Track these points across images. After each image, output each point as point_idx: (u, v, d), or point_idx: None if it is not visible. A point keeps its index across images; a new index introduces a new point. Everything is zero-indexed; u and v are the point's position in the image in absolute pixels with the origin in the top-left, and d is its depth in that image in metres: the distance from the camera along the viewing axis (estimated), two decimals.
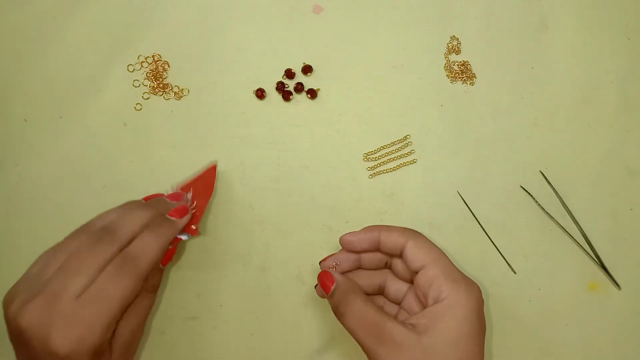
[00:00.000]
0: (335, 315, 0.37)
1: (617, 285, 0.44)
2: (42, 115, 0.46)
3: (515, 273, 0.44)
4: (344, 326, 0.36)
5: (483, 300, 0.36)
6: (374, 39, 0.47)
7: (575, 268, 0.44)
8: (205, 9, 0.47)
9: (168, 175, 0.45)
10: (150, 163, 0.45)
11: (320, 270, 0.39)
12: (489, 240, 0.44)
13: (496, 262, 0.44)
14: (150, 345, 0.44)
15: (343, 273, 0.39)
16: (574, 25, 0.47)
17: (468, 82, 0.46)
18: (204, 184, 0.43)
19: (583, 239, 0.44)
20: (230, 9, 0.47)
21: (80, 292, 0.32)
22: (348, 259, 0.40)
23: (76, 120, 0.46)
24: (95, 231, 0.36)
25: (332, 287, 0.37)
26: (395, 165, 0.45)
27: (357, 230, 0.39)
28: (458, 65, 0.46)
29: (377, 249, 0.39)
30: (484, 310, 0.37)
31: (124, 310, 0.34)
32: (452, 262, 0.37)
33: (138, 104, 0.46)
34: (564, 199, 0.44)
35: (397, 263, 0.39)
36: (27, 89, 0.46)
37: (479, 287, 0.36)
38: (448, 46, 0.46)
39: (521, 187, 0.45)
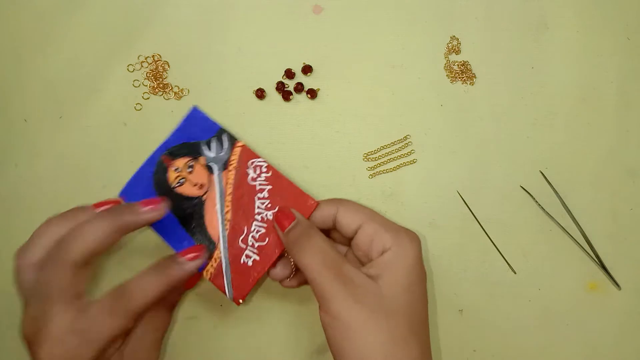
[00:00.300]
0: (291, 252, 0.36)
1: (617, 285, 0.44)
2: (42, 115, 0.46)
3: (515, 273, 0.44)
4: (299, 263, 0.35)
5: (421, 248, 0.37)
6: (374, 39, 0.47)
7: (575, 268, 0.44)
8: (205, 9, 0.47)
9: None
10: None
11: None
12: (489, 240, 0.44)
13: (496, 262, 0.44)
14: None
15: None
16: (574, 25, 0.47)
17: (468, 82, 0.46)
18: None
19: (583, 239, 0.44)
20: (230, 9, 0.47)
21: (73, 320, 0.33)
22: None
23: (76, 120, 0.46)
24: (111, 292, 0.34)
25: (293, 223, 0.36)
26: (395, 165, 0.45)
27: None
28: (458, 65, 0.46)
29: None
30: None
31: (111, 344, 0.34)
32: (385, 217, 0.38)
33: (138, 104, 0.46)
34: (564, 199, 0.44)
35: (332, 235, 0.40)
36: (27, 89, 0.46)
37: (418, 236, 0.37)
38: (448, 46, 0.46)
39: (521, 187, 0.45)
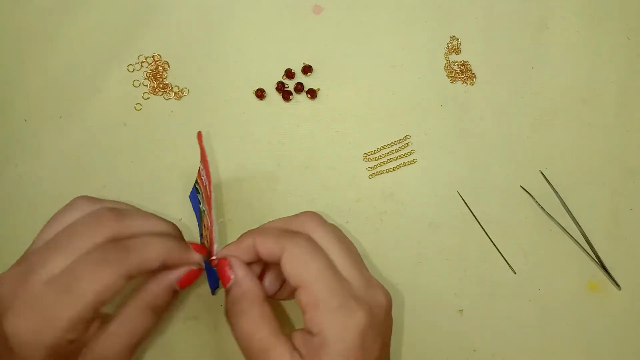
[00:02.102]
0: (226, 316, 0.32)
1: (617, 285, 0.44)
2: (42, 115, 0.46)
3: (515, 273, 0.44)
4: (234, 331, 0.32)
5: (374, 320, 0.31)
6: (374, 39, 0.47)
7: (575, 268, 0.44)
8: (205, 9, 0.47)
9: (168, 175, 0.45)
10: (150, 163, 0.45)
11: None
12: (489, 240, 0.44)
13: (496, 262, 0.44)
14: (150, 345, 0.44)
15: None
16: (574, 25, 0.47)
17: (468, 82, 0.46)
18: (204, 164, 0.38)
19: (583, 239, 0.44)
20: (230, 9, 0.47)
21: (56, 274, 0.28)
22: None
23: (76, 120, 0.46)
24: (103, 209, 0.31)
25: (229, 284, 0.32)
26: (395, 165, 0.45)
27: (234, 240, 0.34)
28: (458, 65, 0.46)
29: (258, 259, 0.33)
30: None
31: (97, 308, 0.29)
32: (336, 279, 0.30)
33: (138, 104, 0.46)
34: (564, 199, 0.44)
35: None
36: (28, 89, 0.46)
37: (363, 310, 0.30)
38: (448, 46, 0.46)
39: (521, 187, 0.45)
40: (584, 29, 0.47)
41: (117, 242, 0.30)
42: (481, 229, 0.44)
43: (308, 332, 0.30)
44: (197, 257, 0.34)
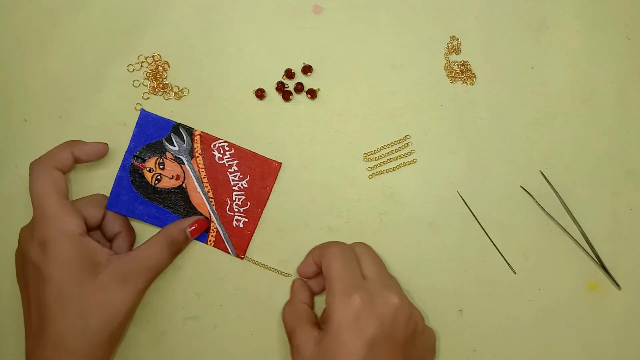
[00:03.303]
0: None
1: (617, 285, 0.44)
2: (42, 115, 0.46)
3: (515, 273, 0.44)
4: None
5: (371, 306, 0.36)
6: (374, 39, 0.47)
7: (575, 268, 0.44)
8: (205, 9, 0.47)
9: None
10: None
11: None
12: (489, 240, 0.44)
13: (496, 262, 0.44)
14: (150, 345, 0.44)
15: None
16: (574, 25, 0.47)
17: (468, 82, 0.46)
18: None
19: (583, 239, 0.44)
20: (230, 9, 0.47)
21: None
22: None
23: (76, 120, 0.46)
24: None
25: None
26: (395, 165, 0.45)
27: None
28: (458, 65, 0.46)
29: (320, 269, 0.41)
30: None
31: (64, 173, 0.41)
32: (351, 273, 0.38)
33: (138, 104, 0.46)
34: (564, 199, 0.44)
35: None
36: (28, 88, 0.46)
37: (360, 297, 0.36)
38: (448, 46, 0.46)
39: (521, 187, 0.45)
40: (584, 29, 0.47)
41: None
42: (481, 229, 0.44)
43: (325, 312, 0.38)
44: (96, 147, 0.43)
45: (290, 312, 0.41)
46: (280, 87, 0.46)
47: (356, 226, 0.44)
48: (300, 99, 0.46)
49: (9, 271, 0.45)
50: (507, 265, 0.44)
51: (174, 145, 0.44)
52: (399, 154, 0.45)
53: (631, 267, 0.44)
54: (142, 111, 0.45)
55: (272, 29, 0.47)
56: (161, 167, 0.44)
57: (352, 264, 0.39)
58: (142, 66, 0.46)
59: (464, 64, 0.46)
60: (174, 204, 0.44)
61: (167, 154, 0.44)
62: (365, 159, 0.45)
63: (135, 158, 0.44)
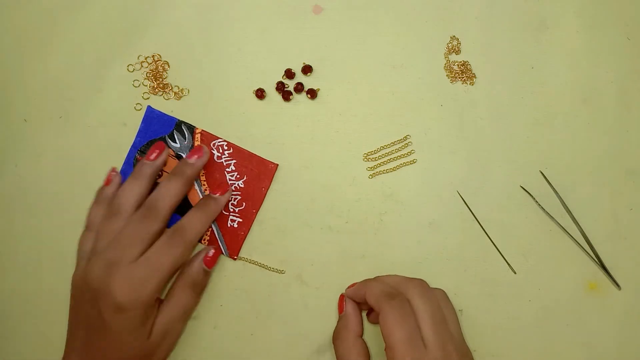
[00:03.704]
0: (333, 338, 0.41)
1: (617, 285, 0.44)
2: (42, 115, 0.46)
3: (515, 273, 0.44)
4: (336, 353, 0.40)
5: None
6: (374, 39, 0.47)
7: (575, 268, 0.44)
8: (205, 9, 0.47)
9: None
10: None
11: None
12: (489, 240, 0.44)
13: (496, 262, 0.44)
14: None
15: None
16: (574, 25, 0.47)
17: (468, 82, 0.46)
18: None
19: (583, 239, 0.44)
20: (230, 9, 0.47)
21: (135, 259, 0.38)
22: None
23: (76, 120, 0.46)
24: (141, 209, 0.40)
25: (341, 315, 0.42)
26: (395, 165, 0.45)
27: (356, 284, 0.42)
28: (458, 65, 0.46)
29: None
30: None
31: (172, 274, 0.40)
32: (413, 348, 0.36)
33: (138, 104, 0.46)
34: (564, 199, 0.44)
35: None
36: (27, 88, 0.46)
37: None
38: (448, 46, 0.46)
39: (521, 187, 0.45)
40: (584, 29, 0.47)
41: (173, 228, 0.41)
42: (481, 229, 0.44)
43: None
44: (224, 198, 0.44)
45: (346, 346, 0.40)
46: (280, 87, 0.46)
47: (356, 226, 0.44)
48: (300, 99, 0.46)
49: (9, 271, 0.45)
50: (507, 265, 0.44)
51: (176, 142, 0.44)
52: (399, 154, 0.45)
53: (631, 267, 0.44)
54: (149, 107, 0.45)
55: (272, 29, 0.47)
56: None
57: (412, 330, 0.37)
58: (142, 66, 0.46)
59: (464, 64, 0.46)
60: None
61: (170, 150, 0.44)
62: (365, 159, 0.45)
63: (139, 153, 0.45)
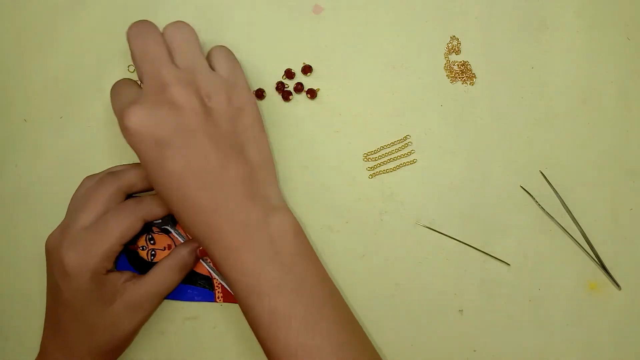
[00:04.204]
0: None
1: (617, 285, 0.44)
2: (42, 115, 0.46)
3: (515, 273, 0.44)
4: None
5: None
6: (374, 39, 0.47)
7: (575, 268, 0.44)
8: (205, 8, 0.47)
9: None
10: None
11: None
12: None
13: (496, 262, 0.44)
14: (150, 345, 0.44)
15: None
16: (574, 25, 0.47)
17: (468, 82, 0.46)
18: None
19: (583, 239, 0.44)
20: (230, 9, 0.47)
21: (87, 225, 0.39)
22: None
23: (76, 120, 0.46)
24: (103, 176, 0.41)
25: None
26: (395, 165, 0.45)
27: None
28: (458, 65, 0.46)
29: None
30: None
31: (122, 243, 0.39)
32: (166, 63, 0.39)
33: None
34: (564, 199, 0.44)
35: None
36: (28, 88, 0.46)
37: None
38: (448, 46, 0.46)
39: (521, 187, 0.45)
40: (584, 29, 0.47)
41: (135, 199, 0.41)
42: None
43: None
44: None
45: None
46: (280, 87, 0.46)
47: (356, 226, 0.44)
48: (300, 99, 0.46)
49: (9, 271, 0.45)
50: (507, 265, 0.44)
51: (157, 219, 0.43)
52: (399, 154, 0.45)
53: (631, 267, 0.44)
54: None
55: (272, 29, 0.47)
56: (152, 242, 0.44)
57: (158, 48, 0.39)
58: None
59: (464, 64, 0.46)
60: None
61: (154, 228, 0.44)
62: (365, 159, 0.45)
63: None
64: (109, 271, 0.40)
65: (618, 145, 0.45)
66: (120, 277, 0.40)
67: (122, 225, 0.39)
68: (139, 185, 0.41)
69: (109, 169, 0.43)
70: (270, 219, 0.38)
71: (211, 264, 0.43)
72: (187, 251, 0.42)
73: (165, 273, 0.41)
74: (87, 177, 0.42)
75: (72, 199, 0.42)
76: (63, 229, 0.40)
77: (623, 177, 0.45)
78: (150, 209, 0.41)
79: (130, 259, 0.44)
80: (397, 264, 0.44)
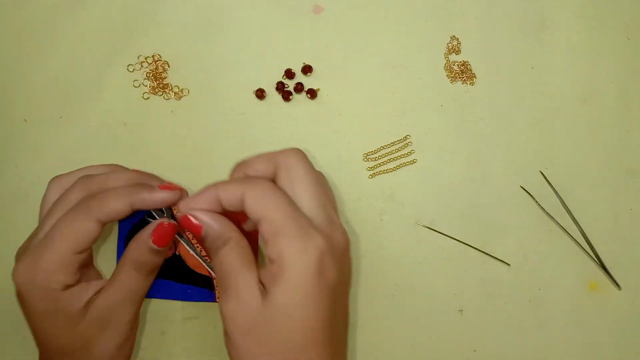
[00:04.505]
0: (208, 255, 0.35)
1: (617, 285, 0.44)
2: (42, 115, 0.46)
3: (515, 273, 0.44)
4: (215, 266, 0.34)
5: (333, 249, 0.31)
6: (374, 39, 0.47)
7: (575, 268, 0.44)
8: (205, 8, 0.47)
9: (168, 175, 0.45)
10: (150, 163, 0.45)
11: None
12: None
13: (496, 262, 0.44)
14: (150, 345, 0.44)
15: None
16: (574, 25, 0.47)
17: (468, 82, 0.46)
18: None
19: (583, 239, 0.44)
20: (230, 9, 0.47)
21: (46, 232, 0.34)
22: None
23: (76, 120, 0.46)
24: (77, 180, 0.36)
25: (202, 231, 0.34)
26: (395, 165, 0.45)
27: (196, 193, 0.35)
28: (458, 65, 0.46)
29: (223, 210, 0.34)
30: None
31: (77, 251, 0.33)
32: (296, 211, 0.32)
33: (138, 104, 0.46)
34: (564, 199, 0.44)
35: None
36: (28, 88, 0.46)
37: (322, 236, 0.31)
38: (448, 46, 0.46)
39: (521, 187, 0.45)
40: (584, 29, 0.47)
41: (87, 196, 0.35)
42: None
43: (269, 260, 0.31)
44: (163, 194, 0.35)
45: (228, 256, 0.33)
46: (280, 87, 0.46)
47: (356, 226, 0.44)
48: (300, 99, 0.46)
49: (9, 271, 0.45)
50: (507, 265, 0.44)
51: (156, 218, 0.38)
52: (399, 154, 0.45)
53: (631, 267, 0.44)
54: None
55: (272, 29, 0.47)
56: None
57: (289, 198, 0.32)
58: (142, 66, 0.46)
59: (464, 64, 0.46)
60: (174, 273, 0.42)
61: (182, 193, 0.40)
62: (365, 159, 0.45)
63: (126, 240, 0.42)
64: (68, 286, 0.34)
65: (618, 145, 0.45)
66: (86, 290, 0.34)
67: (73, 230, 0.33)
68: (118, 202, 0.34)
69: (82, 169, 0.38)
70: None
71: (209, 261, 0.43)
72: (136, 245, 0.35)
73: (119, 278, 0.35)
74: (54, 178, 0.38)
75: (41, 203, 0.37)
76: (27, 240, 0.35)
77: (623, 177, 0.45)
78: (107, 205, 0.34)
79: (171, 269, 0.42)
80: (397, 264, 0.44)
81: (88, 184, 0.36)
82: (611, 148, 0.45)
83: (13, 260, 0.44)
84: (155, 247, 0.35)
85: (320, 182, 0.35)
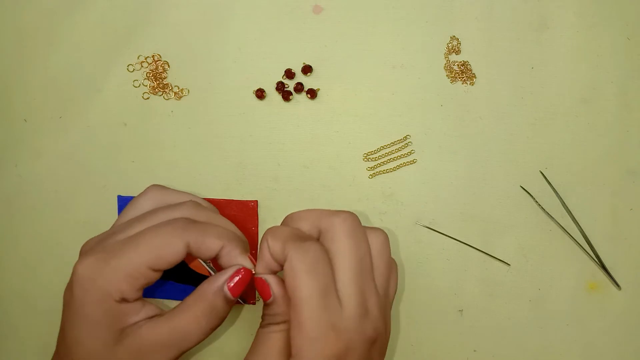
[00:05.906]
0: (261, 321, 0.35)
1: (617, 285, 0.44)
2: (42, 115, 0.46)
3: (515, 273, 0.44)
4: None
5: (353, 353, 0.31)
6: (374, 39, 0.47)
7: (575, 268, 0.44)
8: (206, 8, 0.47)
9: (168, 175, 0.45)
10: (150, 163, 0.45)
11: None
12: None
13: (496, 262, 0.44)
14: None
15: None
16: (574, 25, 0.47)
17: (468, 82, 0.46)
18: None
19: (583, 239, 0.44)
20: (230, 9, 0.47)
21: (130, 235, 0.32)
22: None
23: (76, 120, 0.46)
24: (182, 218, 0.33)
25: (269, 300, 0.34)
26: (395, 165, 0.45)
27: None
28: (458, 65, 0.46)
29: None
30: None
31: (151, 266, 0.31)
32: (324, 307, 0.30)
33: (138, 104, 0.46)
34: (564, 199, 0.44)
35: None
36: (28, 88, 0.46)
37: (342, 343, 0.30)
38: (448, 46, 0.46)
39: (521, 187, 0.45)
40: (584, 29, 0.47)
41: (191, 219, 0.33)
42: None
43: (292, 350, 0.31)
44: (247, 263, 0.35)
45: (272, 340, 0.33)
46: (280, 87, 0.46)
47: None
48: (300, 99, 0.46)
49: (9, 271, 0.45)
50: (507, 265, 0.44)
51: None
52: (399, 154, 0.45)
53: (631, 267, 0.44)
54: (119, 197, 0.44)
55: (272, 29, 0.47)
56: None
57: (324, 283, 0.30)
58: (142, 66, 0.46)
59: (464, 64, 0.46)
60: (174, 273, 0.42)
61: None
62: (365, 159, 0.45)
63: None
64: (124, 299, 0.32)
65: (618, 145, 0.45)
66: (138, 311, 0.32)
67: (158, 245, 0.31)
68: (208, 242, 0.33)
69: (190, 194, 0.38)
70: None
71: (211, 264, 0.43)
72: (213, 290, 0.33)
73: (183, 317, 0.32)
74: (156, 187, 0.37)
75: (131, 201, 0.36)
76: (104, 234, 0.33)
77: (623, 177, 0.45)
78: (202, 236, 0.32)
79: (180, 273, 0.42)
80: (397, 264, 0.44)
81: (198, 210, 0.35)
82: (611, 148, 0.45)
83: (13, 261, 0.44)
84: (230, 296, 0.34)
85: (362, 257, 0.32)
